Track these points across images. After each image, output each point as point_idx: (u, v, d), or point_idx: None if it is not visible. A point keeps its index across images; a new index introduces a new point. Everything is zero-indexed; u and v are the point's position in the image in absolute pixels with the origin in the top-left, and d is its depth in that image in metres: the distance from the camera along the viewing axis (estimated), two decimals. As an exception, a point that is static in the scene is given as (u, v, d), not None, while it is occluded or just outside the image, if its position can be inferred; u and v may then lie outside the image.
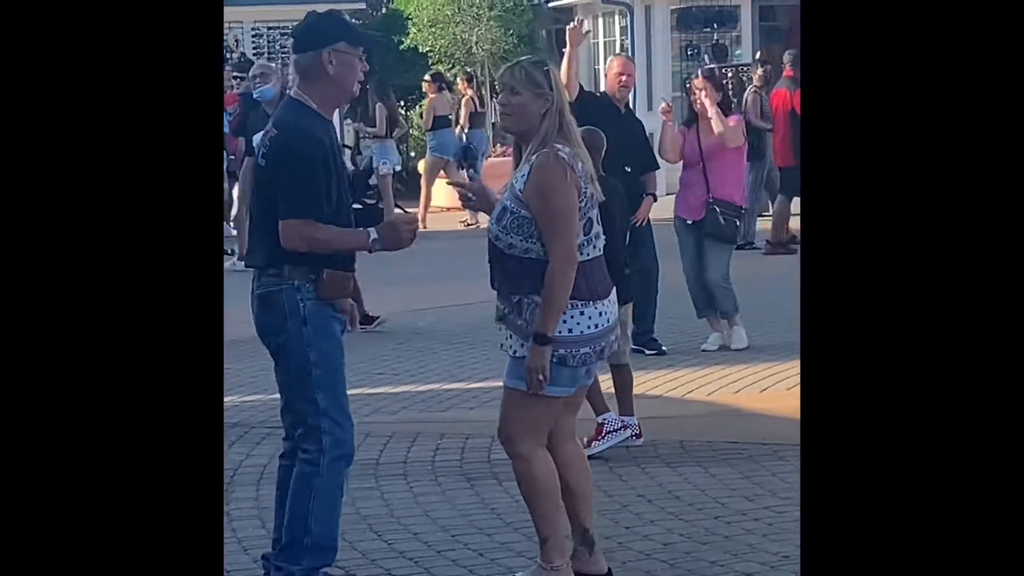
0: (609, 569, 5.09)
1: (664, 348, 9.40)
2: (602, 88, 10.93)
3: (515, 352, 4.91)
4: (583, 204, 4.89)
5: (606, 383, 6.95)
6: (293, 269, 4.75)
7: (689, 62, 20.62)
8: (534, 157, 4.86)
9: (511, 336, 4.91)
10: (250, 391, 8.22)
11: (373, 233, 4.84)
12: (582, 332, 4.86)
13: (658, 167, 9.61)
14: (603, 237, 5.03)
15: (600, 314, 4.93)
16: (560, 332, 4.83)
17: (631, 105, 10.07)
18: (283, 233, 4.72)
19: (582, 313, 4.87)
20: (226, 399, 8.07)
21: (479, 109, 19.36)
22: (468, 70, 20.93)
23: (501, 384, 5.02)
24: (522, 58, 5.12)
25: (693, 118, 9.60)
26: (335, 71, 4.81)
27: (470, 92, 19.47)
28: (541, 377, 4.76)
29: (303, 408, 4.85)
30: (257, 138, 7.09)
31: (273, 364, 4.97)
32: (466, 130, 19.26)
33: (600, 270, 5.01)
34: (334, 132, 5.05)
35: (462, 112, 19.45)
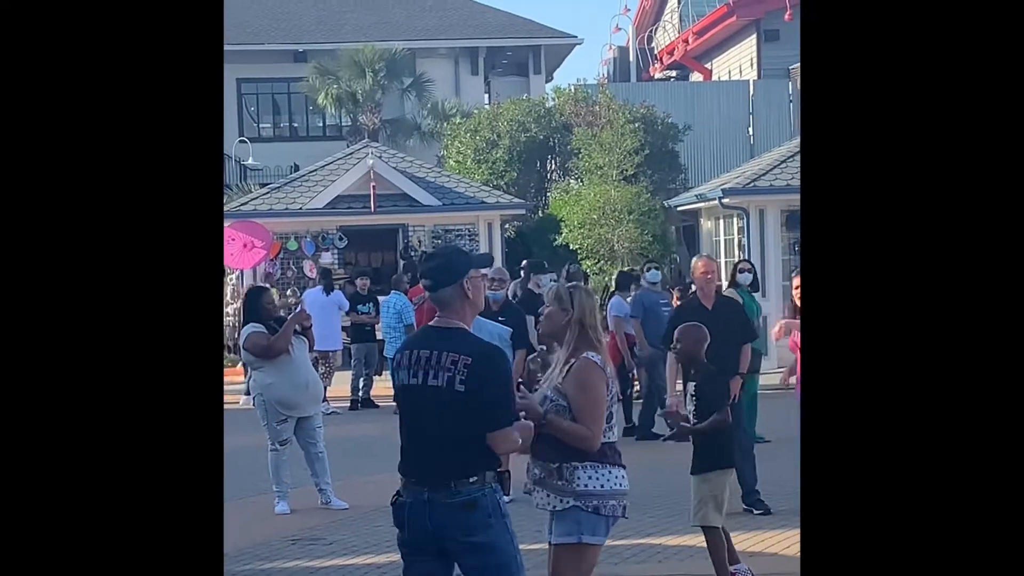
0: None
1: (771, 508, 9.73)
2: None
3: (554, 507, 5.54)
4: (610, 399, 5.57)
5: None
6: (489, 474, 5.15)
7: (796, 256, 21.00)
8: (574, 360, 5.59)
9: (549, 495, 5.55)
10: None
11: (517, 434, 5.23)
12: (612, 487, 5.56)
13: (749, 342, 10.14)
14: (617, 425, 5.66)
15: (623, 476, 5.59)
16: (595, 487, 5.50)
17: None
18: (501, 440, 5.09)
19: (610, 472, 5.55)
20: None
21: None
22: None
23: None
24: (561, 283, 5.52)
25: (796, 312, 10.35)
26: (473, 295, 5.30)
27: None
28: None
29: None
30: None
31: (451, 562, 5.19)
32: None
33: (616, 448, 5.67)
34: None
35: None
